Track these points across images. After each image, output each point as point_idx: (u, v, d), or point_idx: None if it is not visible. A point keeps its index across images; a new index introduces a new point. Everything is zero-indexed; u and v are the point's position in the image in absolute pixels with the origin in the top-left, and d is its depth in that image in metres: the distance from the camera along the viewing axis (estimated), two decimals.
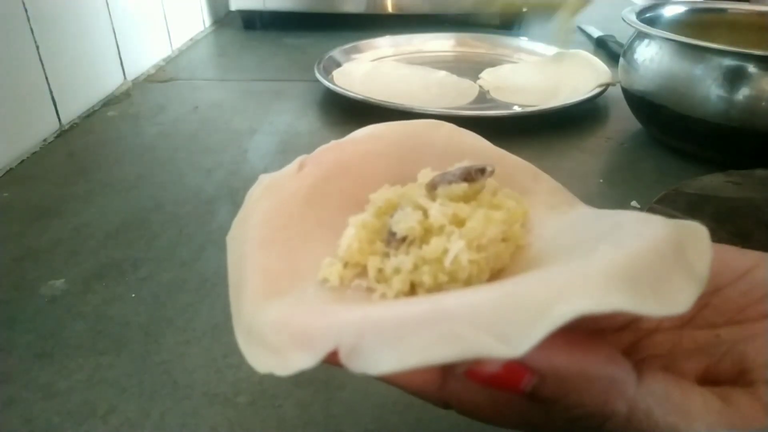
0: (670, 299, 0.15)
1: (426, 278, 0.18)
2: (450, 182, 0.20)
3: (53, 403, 0.29)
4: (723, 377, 0.18)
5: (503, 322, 0.14)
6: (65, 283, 0.37)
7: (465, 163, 0.21)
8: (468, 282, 0.18)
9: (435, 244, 0.18)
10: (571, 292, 0.14)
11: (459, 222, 0.19)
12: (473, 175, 0.20)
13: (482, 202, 0.21)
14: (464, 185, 0.20)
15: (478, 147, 0.25)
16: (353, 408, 0.28)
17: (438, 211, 0.19)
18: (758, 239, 0.36)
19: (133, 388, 0.29)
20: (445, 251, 0.18)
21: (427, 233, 0.19)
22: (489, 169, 0.20)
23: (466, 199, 0.20)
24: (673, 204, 0.39)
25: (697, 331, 0.19)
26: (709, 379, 0.18)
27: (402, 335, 0.14)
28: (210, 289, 0.36)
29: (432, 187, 0.20)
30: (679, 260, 0.16)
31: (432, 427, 0.27)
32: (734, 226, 0.37)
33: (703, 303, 0.19)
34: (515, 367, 0.15)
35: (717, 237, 0.36)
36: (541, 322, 0.14)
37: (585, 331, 0.16)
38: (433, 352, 0.14)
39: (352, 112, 0.63)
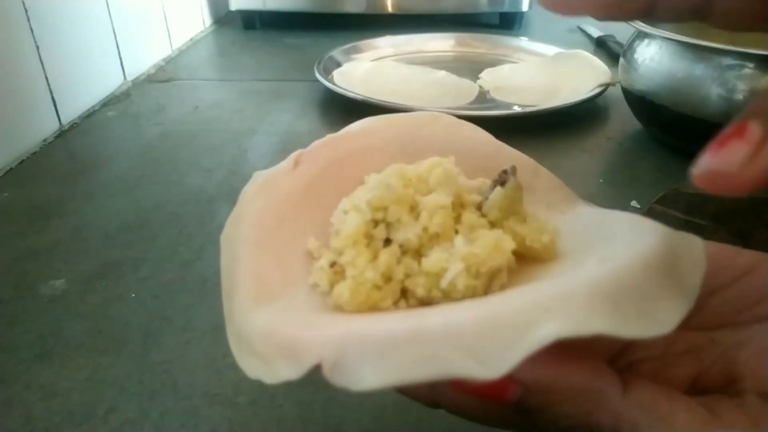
0: (655, 320, 0.15)
1: (420, 290, 0.18)
2: (487, 197, 0.20)
3: (53, 403, 0.29)
4: (713, 385, 0.18)
5: (482, 345, 0.14)
6: (65, 283, 0.37)
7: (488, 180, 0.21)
8: (461, 299, 0.18)
9: (435, 259, 0.18)
10: (552, 314, 0.14)
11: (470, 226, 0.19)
12: (501, 179, 0.20)
13: (506, 224, 0.20)
14: (500, 190, 0.20)
15: (477, 140, 0.24)
16: (353, 408, 0.28)
17: (433, 214, 0.19)
18: (758, 239, 0.36)
19: (133, 388, 0.29)
20: (443, 270, 0.18)
21: (431, 239, 0.19)
22: (508, 167, 0.20)
23: (512, 207, 0.20)
24: (673, 204, 0.39)
25: (692, 333, 0.19)
26: (699, 387, 0.18)
27: (383, 353, 0.14)
28: (210, 289, 0.36)
29: (479, 208, 0.20)
30: (669, 273, 0.16)
31: (432, 427, 0.27)
32: (734, 226, 0.37)
33: (700, 305, 0.19)
34: (500, 379, 0.15)
35: (717, 237, 0.36)
36: (519, 346, 0.14)
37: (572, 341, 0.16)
38: (412, 372, 0.14)
39: (352, 112, 0.62)
